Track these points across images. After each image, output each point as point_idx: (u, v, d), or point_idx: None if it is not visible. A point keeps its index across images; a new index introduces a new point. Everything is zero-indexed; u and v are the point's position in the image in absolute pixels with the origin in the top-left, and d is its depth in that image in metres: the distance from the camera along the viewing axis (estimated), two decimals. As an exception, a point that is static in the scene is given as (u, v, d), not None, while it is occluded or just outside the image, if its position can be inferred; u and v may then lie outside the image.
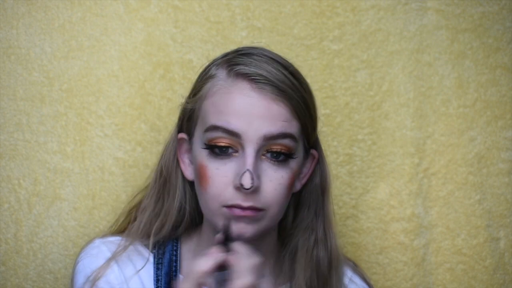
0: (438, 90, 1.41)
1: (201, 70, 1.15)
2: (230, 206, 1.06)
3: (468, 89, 1.41)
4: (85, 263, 1.15)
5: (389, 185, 1.40)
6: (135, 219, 1.18)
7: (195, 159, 1.10)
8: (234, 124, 1.05)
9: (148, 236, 1.15)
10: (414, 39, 1.40)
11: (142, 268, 1.13)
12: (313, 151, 1.16)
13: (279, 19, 1.38)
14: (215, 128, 1.06)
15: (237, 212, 1.05)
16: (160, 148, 1.23)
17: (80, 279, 1.14)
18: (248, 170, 1.04)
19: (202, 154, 1.08)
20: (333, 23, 1.39)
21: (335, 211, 1.38)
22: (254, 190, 1.05)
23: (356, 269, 1.24)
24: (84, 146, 1.35)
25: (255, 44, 1.22)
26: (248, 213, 1.05)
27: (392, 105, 1.40)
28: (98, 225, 1.33)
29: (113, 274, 1.12)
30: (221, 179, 1.06)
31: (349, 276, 1.20)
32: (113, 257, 1.13)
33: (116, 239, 1.16)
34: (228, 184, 1.06)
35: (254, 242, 1.10)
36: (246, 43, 1.35)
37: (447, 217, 1.41)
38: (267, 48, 1.31)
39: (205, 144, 1.07)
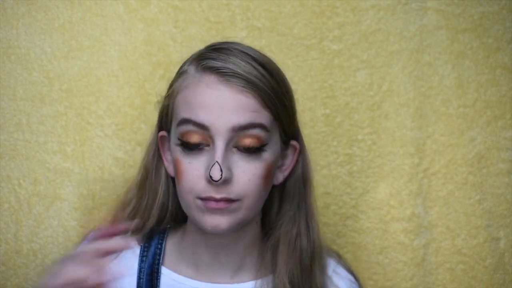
0: (438, 90, 1.41)
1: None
2: (204, 199, 1.07)
3: (468, 89, 1.41)
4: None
5: (389, 185, 1.40)
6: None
7: (172, 155, 1.12)
8: (202, 117, 1.06)
9: (138, 230, 1.17)
10: (414, 39, 1.40)
11: (118, 254, 1.13)
12: (294, 143, 1.16)
13: (279, 19, 1.38)
14: (185, 121, 1.08)
15: (211, 204, 1.06)
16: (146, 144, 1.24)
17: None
18: (216, 162, 1.05)
19: (176, 149, 1.10)
20: (333, 23, 1.39)
21: (335, 211, 1.39)
22: (225, 182, 1.06)
23: (341, 260, 1.24)
24: (84, 146, 1.35)
25: (230, 39, 1.23)
26: (221, 205, 1.06)
27: (392, 105, 1.40)
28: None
29: None
30: (194, 173, 1.07)
31: (332, 267, 1.20)
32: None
33: None
34: (201, 177, 1.07)
35: (234, 234, 1.12)
36: (246, 43, 1.35)
37: (447, 217, 1.41)
38: (266, 48, 1.32)
39: (178, 139, 1.09)
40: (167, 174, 1.16)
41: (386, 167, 1.40)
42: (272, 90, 1.10)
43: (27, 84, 1.34)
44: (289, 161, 1.16)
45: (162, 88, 1.35)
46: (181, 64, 1.35)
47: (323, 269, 1.18)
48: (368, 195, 1.40)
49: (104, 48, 1.35)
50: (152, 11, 1.36)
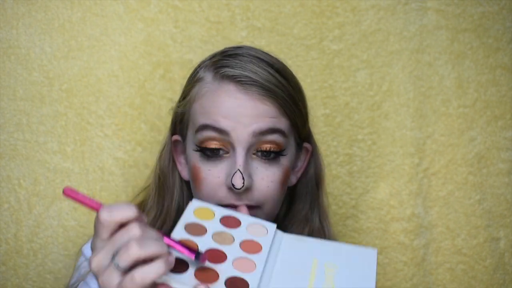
0: (438, 90, 1.41)
1: (190, 73, 1.16)
2: (225, 206, 1.07)
3: (468, 89, 1.41)
4: (88, 245, 1.18)
5: (389, 185, 1.40)
6: None
7: (189, 161, 1.12)
8: (222, 123, 1.06)
9: None
10: (414, 39, 1.40)
11: None
12: (307, 145, 1.17)
13: (279, 19, 1.38)
14: (204, 127, 1.08)
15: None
16: (160, 148, 1.24)
17: (81, 258, 1.18)
18: (238, 170, 1.05)
19: (194, 156, 1.10)
20: (333, 23, 1.39)
21: (335, 211, 1.39)
22: (246, 189, 1.06)
23: None
24: (84, 146, 1.35)
25: (231, 39, 1.23)
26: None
27: (392, 105, 1.40)
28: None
29: None
30: (214, 180, 1.07)
31: None
32: None
33: None
34: (221, 185, 1.07)
35: None
36: (246, 43, 1.35)
37: (447, 217, 1.41)
38: (266, 47, 1.32)
39: (197, 145, 1.09)
40: (180, 177, 1.17)
41: (386, 167, 1.40)
42: (290, 97, 1.10)
43: (27, 84, 1.34)
44: (302, 162, 1.17)
45: (162, 88, 1.35)
46: (179, 63, 1.36)
47: None
48: (368, 195, 1.40)
49: (104, 48, 1.36)
50: (152, 11, 1.36)
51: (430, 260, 1.41)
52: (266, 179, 1.08)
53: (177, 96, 1.21)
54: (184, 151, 1.15)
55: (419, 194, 1.40)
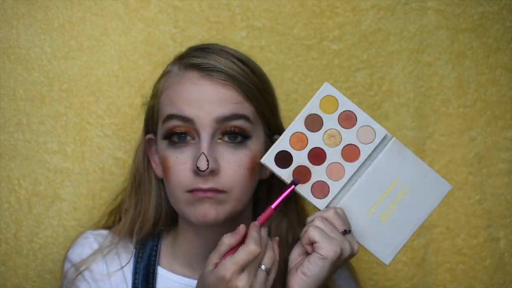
0: (438, 90, 1.41)
1: None
2: (192, 191, 1.08)
3: (468, 89, 1.41)
4: (73, 251, 1.20)
5: (389, 185, 1.40)
6: (120, 219, 1.21)
7: (159, 154, 1.14)
8: (186, 111, 1.09)
9: (132, 235, 1.19)
10: (414, 39, 1.40)
11: (126, 264, 1.17)
12: (277, 137, 1.17)
13: (279, 19, 1.38)
14: (171, 117, 1.11)
15: (199, 194, 1.08)
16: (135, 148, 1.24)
17: (67, 264, 1.19)
18: (203, 153, 1.07)
19: (163, 146, 1.12)
20: (333, 23, 1.39)
21: (335, 211, 1.38)
22: (212, 173, 1.08)
23: None
24: (84, 146, 1.35)
25: (230, 39, 1.29)
26: (209, 194, 1.08)
27: (392, 105, 1.40)
28: (98, 225, 1.33)
29: (98, 268, 1.16)
30: (181, 166, 1.09)
31: None
32: (100, 251, 1.18)
33: (106, 232, 1.21)
34: (188, 170, 1.09)
35: (226, 229, 1.12)
36: (246, 43, 1.35)
37: (447, 217, 1.41)
38: (266, 48, 1.32)
39: (164, 134, 1.11)
40: (156, 176, 1.18)
41: (386, 167, 1.40)
42: (253, 84, 1.12)
43: (27, 84, 1.34)
44: None
45: (162, 88, 1.35)
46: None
47: None
48: (368, 195, 1.40)
49: (104, 48, 1.36)
50: (152, 11, 1.36)
51: (430, 260, 1.40)
52: (233, 163, 1.09)
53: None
54: (157, 149, 1.16)
55: (419, 194, 1.40)
